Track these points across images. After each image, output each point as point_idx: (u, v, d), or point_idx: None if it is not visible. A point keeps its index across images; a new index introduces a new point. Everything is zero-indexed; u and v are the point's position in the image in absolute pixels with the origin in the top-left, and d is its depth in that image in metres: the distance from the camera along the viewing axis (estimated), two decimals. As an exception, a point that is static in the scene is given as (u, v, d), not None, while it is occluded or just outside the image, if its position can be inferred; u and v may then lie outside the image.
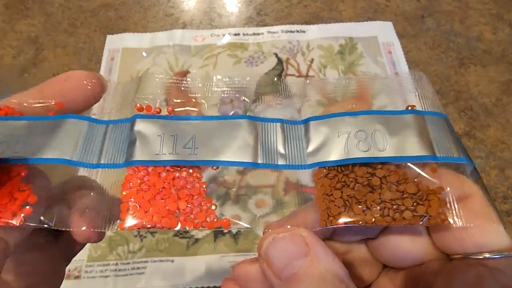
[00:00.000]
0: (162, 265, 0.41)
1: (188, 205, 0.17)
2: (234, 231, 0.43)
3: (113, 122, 0.18)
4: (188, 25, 0.61)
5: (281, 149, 0.17)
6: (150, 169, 0.17)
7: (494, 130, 0.50)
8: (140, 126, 0.17)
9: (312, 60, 0.56)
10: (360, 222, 0.15)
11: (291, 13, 0.62)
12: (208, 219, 0.16)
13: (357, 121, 0.17)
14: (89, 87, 0.18)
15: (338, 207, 0.16)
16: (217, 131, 0.17)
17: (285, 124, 0.18)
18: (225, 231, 0.43)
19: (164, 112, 0.18)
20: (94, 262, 0.41)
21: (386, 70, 0.55)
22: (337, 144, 0.17)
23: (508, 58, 0.57)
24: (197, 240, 0.43)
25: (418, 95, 0.19)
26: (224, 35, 0.59)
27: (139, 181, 0.16)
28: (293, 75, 0.55)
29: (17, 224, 0.15)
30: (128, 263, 0.41)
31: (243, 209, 0.43)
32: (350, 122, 0.17)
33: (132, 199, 0.16)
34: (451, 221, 0.15)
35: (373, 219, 0.15)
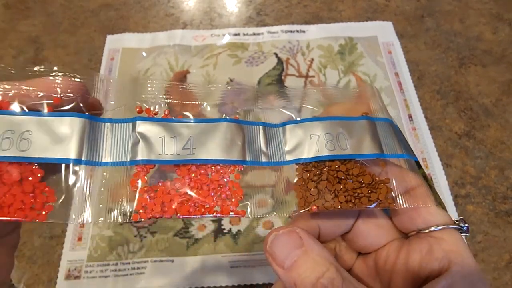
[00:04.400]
0: (162, 265, 0.41)
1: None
2: (234, 231, 0.43)
3: (114, 121, 0.19)
4: (189, 25, 0.61)
5: (264, 148, 0.20)
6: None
7: (494, 130, 0.50)
8: (142, 127, 0.19)
9: (312, 60, 0.56)
10: (330, 207, 0.19)
11: (291, 13, 0.62)
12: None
13: (324, 125, 0.20)
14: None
15: (313, 195, 0.19)
16: (210, 132, 0.19)
17: (266, 127, 0.21)
18: (225, 230, 0.43)
19: (161, 114, 0.20)
20: (94, 262, 0.41)
21: (386, 70, 0.55)
22: (310, 144, 0.20)
23: (508, 58, 0.57)
24: (197, 240, 0.43)
25: (372, 104, 0.22)
26: (224, 35, 0.59)
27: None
28: (293, 75, 0.55)
29: (41, 221, 0.16)
30: (128, 263, 0.41)
31: (244, 209, 0.44)
32: (319, 126, 0.20)
33: (147, 197, 0.18)
34: (398, 203, 0.19)
35: (340, 205, 0.19)
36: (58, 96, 0.18)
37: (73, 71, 0.19)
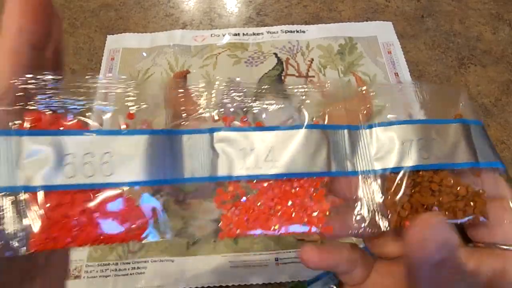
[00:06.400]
0: (162, 265, 0.41)
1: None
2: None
3: (190, 132, 0.17)
4: (188, 25, 0.61)
5: (349, 155, 0.18)
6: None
7: (493, 130, 0.51)
8: (221, 139, 0.17)
9: (312, 60, 0.56)
10: None
11: (290, 13, 0.62)
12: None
13: (417, 130, 0.18)
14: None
15: (406, 210, 0.17)
16: (292, 142, 0.17)
17: (351, 131, 0.18)
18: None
19: (238, 122, 0.18)
20: (94, 262, 0.41)
21: (386, 70, 0.55)
22: (401, 150, 0.18)
23: (508, 58, 0.57)
24: (197, 240, 0.43)
25: (462, 105, 0.20)
26: (224, 35, 0.59)
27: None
28: (293, 75, 0.55)
29: (138, 241, 0.16)
30: (128, 263, 0.41)
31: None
32: (411, 130, 0.18)
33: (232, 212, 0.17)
34: (489, 218, 0.17)
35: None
36: (132, 112, 0.17)
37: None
